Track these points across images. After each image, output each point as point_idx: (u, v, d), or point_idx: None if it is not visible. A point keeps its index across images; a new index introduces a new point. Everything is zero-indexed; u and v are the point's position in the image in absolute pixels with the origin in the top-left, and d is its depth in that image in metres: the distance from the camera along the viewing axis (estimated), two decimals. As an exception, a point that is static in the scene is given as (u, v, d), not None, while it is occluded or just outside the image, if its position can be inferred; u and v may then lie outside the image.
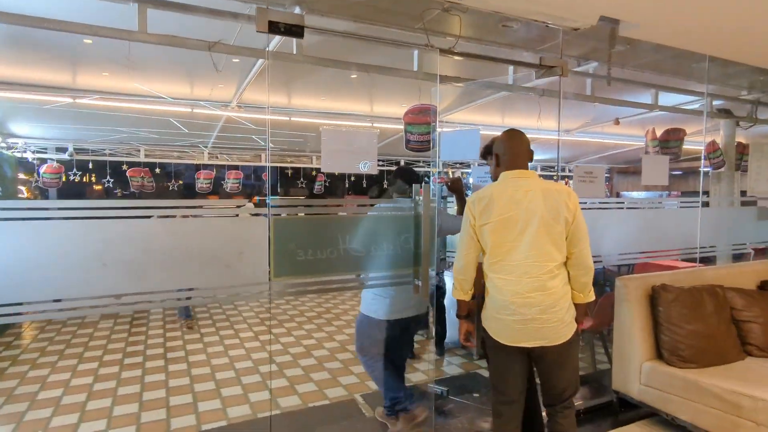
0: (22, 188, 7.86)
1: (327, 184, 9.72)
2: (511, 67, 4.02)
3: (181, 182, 8.87)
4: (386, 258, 2.64)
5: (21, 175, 7.68)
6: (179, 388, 4.00)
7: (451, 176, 6.74)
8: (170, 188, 8.80)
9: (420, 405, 3.00)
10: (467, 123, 6.57)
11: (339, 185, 9.96)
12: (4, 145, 6.65)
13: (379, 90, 5.06)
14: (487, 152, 2.85)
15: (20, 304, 1.98)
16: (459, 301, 2.31)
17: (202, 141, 7.68)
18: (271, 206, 2.28)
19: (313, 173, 9.51)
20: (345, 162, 2.57)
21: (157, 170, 8.54)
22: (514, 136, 2.27)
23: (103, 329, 5.65)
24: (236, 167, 9.12)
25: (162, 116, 5.71)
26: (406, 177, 2.98)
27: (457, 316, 2.36)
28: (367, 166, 2.66)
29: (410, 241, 2.75)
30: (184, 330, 5.62)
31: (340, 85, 4.75)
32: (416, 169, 10.04)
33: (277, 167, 9.16)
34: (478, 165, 5.02)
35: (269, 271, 2.27)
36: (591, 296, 2.18)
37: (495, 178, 2.31)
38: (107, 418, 3.48)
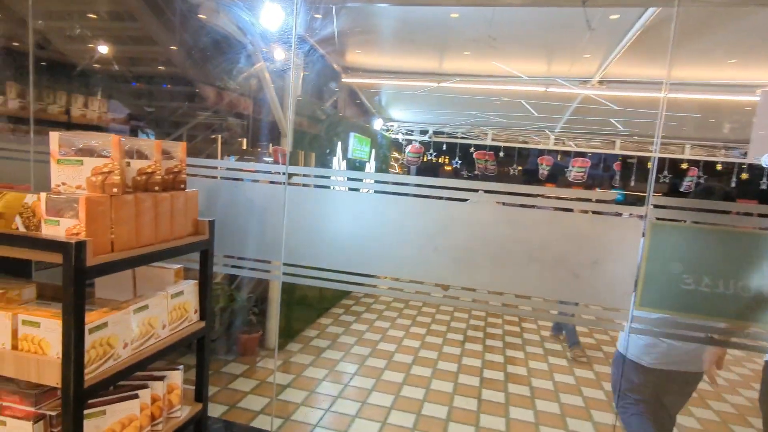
0: (395, 165, 9.45)
1: (701, 181, 7.59)
2: None
3: (520, 168, 8.73)
4: None
5: (394, 154, 9.25)
6: (493, 382, 3.79)
7: None
8: (511, 173, 8.79)
9: None
10: None
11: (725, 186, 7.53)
12: (384, 128, 8.06)
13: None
14: None
15: (372, 276, 2.02)
16: None
17: (550, 125, 7.24)
18: (654, 206, 1.58)
19: (683, 165, 7.56)
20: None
21: (501, 154, 8.66)
22: None
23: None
24: (583, 154, 8.26)
25: (514, 98, 5.54)
26: None
27: None
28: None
29: None
30: (576, 359, 4.39)
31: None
32: None
33: (624, 156, 7.79)
34: None
35: (634, 296, 1.60)
36: None
37: None
38: (425, 389, 3.59)
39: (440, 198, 1.81)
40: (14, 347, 1.38)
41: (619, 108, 5.19)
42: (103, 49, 5.25)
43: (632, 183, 8.26)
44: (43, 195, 1.35)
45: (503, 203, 1.94)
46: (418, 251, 1.82)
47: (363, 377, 3.71)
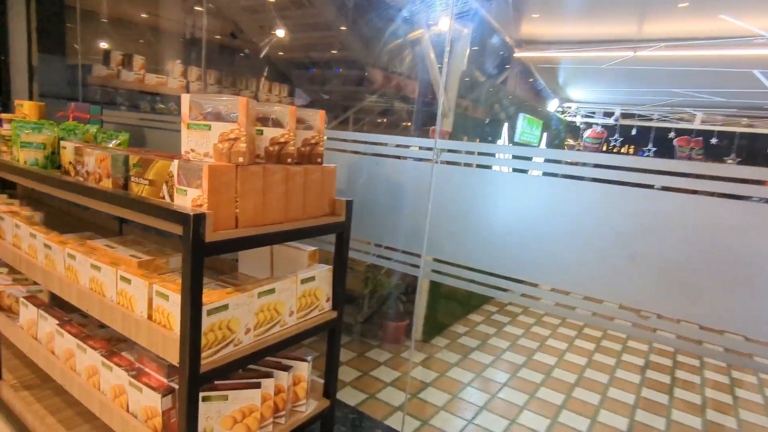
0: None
1: None
2: None
3: (739, 159, 6.88)
4: None
5: (568, 140, 8.21)
6: (686, 429, 2.98)
7: None
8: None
9: None
10: None
11: None
12: (560, 109, 7.15)
13: None
14: None
15: (519, 281, 1.64)
16: None
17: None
18: None
19: None
20: None
21: (713, 140, 6.90)
22: None
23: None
24: None
25: (741, 67, 4.26)
26: None
27: None
28: None
29: None
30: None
31: None
32: None
33: None
34: None
35: None
36: None
37: None
38: (590, 419, 2.98)
39: (649, 186, 1.28)
40: (149, 317, 1.37)
41: None
42: (287, 37, 5.62)
43: None
44: (175, 162, 1.28)
45: (741, 196, 1.34)
46: (602, 258, 1.33)
47: (514, 390, 3.26)
